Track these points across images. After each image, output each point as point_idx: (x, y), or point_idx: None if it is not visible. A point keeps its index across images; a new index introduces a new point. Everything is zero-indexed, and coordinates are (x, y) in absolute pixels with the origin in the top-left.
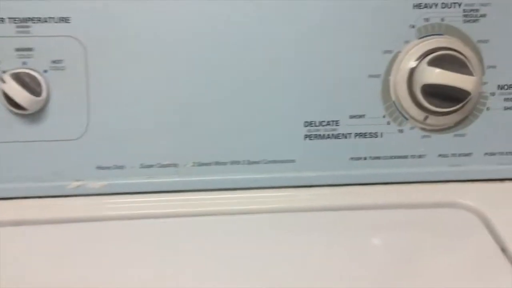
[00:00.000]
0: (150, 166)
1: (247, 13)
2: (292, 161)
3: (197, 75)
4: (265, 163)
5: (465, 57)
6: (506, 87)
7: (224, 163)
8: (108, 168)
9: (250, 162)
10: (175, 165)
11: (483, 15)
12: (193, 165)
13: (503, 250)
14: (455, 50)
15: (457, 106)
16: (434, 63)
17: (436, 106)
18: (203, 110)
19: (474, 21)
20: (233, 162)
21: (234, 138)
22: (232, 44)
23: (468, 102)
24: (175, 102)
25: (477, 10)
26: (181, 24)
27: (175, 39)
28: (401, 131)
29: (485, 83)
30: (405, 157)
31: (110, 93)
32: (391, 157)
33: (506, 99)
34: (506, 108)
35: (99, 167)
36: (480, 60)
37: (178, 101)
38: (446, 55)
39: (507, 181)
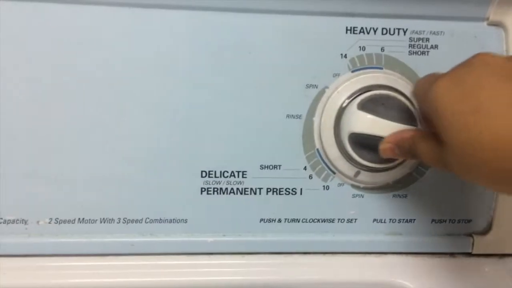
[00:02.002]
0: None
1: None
2: (184, 220)
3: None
4: (148, 222)
5: (408, 99)
6: None
7: (93, 221)
8: None
9: (127, 221)
10: (24, 221)
11: (434, 46)
12: (50, 222)
13: None
14: (395, 90)
15: (395, 163)
16: (366, 106)
17: (368, 161)
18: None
19: (423, 53)
20: (104, 220)
21: (106, 189)
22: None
23: None
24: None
25: (426, 40)
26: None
27: None
28: (326, 187)
29: None
30: (331, 221)
31: None
32: (313, 221)
33: None
34: None
35: None
36: None
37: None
38: (383, 96)
39: (458, 256)
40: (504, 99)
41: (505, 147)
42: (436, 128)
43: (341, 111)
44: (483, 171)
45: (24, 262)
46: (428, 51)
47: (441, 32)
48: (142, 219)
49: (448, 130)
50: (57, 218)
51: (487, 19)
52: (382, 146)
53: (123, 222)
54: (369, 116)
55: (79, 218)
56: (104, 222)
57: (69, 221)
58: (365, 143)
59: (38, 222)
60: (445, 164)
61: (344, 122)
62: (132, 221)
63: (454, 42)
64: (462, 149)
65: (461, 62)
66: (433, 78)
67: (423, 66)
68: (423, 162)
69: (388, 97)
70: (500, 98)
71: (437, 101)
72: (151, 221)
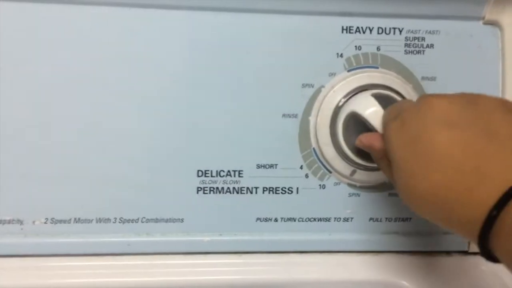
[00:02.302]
0: None
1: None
2: (180, 220)
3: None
4: (144, 222)
5: (404, 98)
6: None
7: (88, 221)
8: None
9: (123, 221)
10: (19, 221)
11: (430, 46)
12: (46, 222)
13: None
14: (391, 89)
15: None
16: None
17: (364, 159)
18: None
19: (418, 52)
20: (100, 220)
21: (102, 189)
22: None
23: None
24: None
25: (422, 39)
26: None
27: None
28: (322, 186)
29: None
30: (328, 219)
31: None
32: (310, 220)
33: None
34: None
35: None
36: None
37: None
38: (378, 95)
39: (455, 254)
40: (440, 149)
41: (432, 200)
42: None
43: (337, 110)
44: (416, 211)
45: (20, 263)
46: (424, 50)
47: (437, 31)
48: (138, 219)
49: (395, 171)
50: (53, 218)
51: (483, 18)
52: (357, 142)
53: (119, 222)
54: (375, 105)
55: (75, 218)
56: (100, 222)
57: (65, 221)
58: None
59: (34, 222)
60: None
61: (350, 102)
62: (128, 220)
63: (450, 41)
64: (403, 190)
65: (412, 103)
66: (393, 114)
67: (419, 65)
68: None
69: (383, 96)
70: (437, 148)
71: (388, 143)
72: (147, 221)
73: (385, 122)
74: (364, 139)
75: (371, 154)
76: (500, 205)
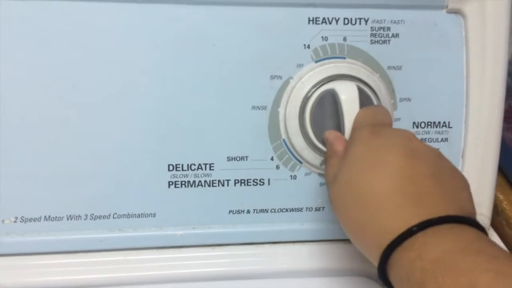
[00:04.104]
0: None
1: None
2: (152, 215)
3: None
4: (116, 217)
5: (370, 88)
6: (423, 124)
7: (59, 218)
8: None
9: (94, 217)
10: None
11: (395, 35)
12: (16, 221)
13: None
14: (358, 79)
15: None
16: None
17: None
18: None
19: (384, 42)
20: (72, 217)
21: (72, 185)
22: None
23: None
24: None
25: (387, 29)
26: None
27: None
28: (293, 177)
29: (397, 119)
30: (300, 210)
31: None
32: (282, 210)
33: (423, 140)
34: None
35: None
36: (391, 91)
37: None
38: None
39: None
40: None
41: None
42: None
43: (306, 100)
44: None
45: None
46: (389, 40)
47: (402, 21)
48: (110, 215)
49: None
50: (23, 217)
51: (446, 7)
52: (324, 136)
53: (90, 219)
54: (355, 96)
55: (45, 216)
56: (71, 219)
57: (35, 219)
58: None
59: (3, 221)
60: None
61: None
62: (100, 217)
63: (415, 30)
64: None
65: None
66: (368, 122)
67: (385, 55)
68: None
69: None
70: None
71: (350, 148)
72: (119, 217)
73: (357, 128)
74: (331, 137)
75: (327, 148)
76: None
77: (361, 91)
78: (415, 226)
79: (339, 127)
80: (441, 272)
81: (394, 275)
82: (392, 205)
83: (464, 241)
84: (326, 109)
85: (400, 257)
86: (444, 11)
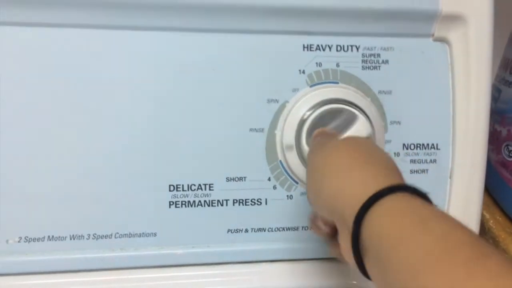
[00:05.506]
0: None
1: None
2: (153, 234)
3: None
4: (118, 237)
5: (363, 111)
6: (412, 146)
7: (62, 238)
8: None
9: (97, 237)
10: None
11: (385, 61)
12: (20, 241)
13: None
14: (351, 103)
15: None
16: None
17: None
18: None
19: (375, 68)
20: (74, 237)
21: (75, 206)
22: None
23: None
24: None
25: (378, 55)
26: None
27: None
28: (290, 197)
29: (388, 141)
30: (296, 228)
31: None
32: (279, 229)
33: (412, 161)
34: (412, 172)
35: None
36: (382, 114)
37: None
38: (333, 110)
39: None
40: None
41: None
42: None
43: (302, 123)
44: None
45: None
46: (379, 66)
47: (391, 48)
48: (111, 235)
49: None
50: (27, 237)
51: (433, 35)
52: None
53: (92, 238)
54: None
55: (48, 236)
56: (73, 239)
57: (38, 239)
58: None
59: (7, 241)
60: None
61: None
62: (102, 236)
63: (403, 57)
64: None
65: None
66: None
67: (376, 80)
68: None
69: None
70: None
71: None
72: (120, 236)
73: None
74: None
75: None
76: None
77: (352, 114)
78: (385, 189)
79: None
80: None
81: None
82: (353, 172)
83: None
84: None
85: (371, 218)
86: (430, 39)
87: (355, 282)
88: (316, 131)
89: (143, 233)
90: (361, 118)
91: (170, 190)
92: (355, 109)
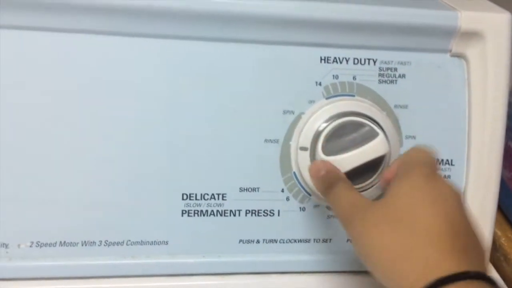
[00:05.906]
0: None
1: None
2: (165, 242)
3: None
4: (129, 244)
5: (378, 125)
6: None
7: (74, 244)
8: None
9: (108, 243)
10: (5, 245)
11: (402, 76)
12: (31, 246)
13: None
14: (367, 116)
15: (367, 184)
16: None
17: None
18: None
19: (391, 82)
20: (86, 243)
21: (87, 212)
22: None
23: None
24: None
25: (395, 69)
26: None
27: None
28: (303, 209)
29: None
30: (307, 241)
31: None
32: (290, 241)
33: None
34: None
35: None
36: (398, 128)
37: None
38: (349, 122)
39: None
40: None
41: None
42: None
43: (317, 135)
44: None
45: (5, 286)
46: (396, 80)
47: (408, 62)
48: (123, 242)
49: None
50: (39, 242)
51: (450, 51)
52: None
53: (104, 245)
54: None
55: (60, 241)
56: (85, 245)
57: (50, 245)
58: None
59: (19, 245)
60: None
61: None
62: (114, 243)
63: (420, 72)
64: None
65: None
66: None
67: (392, 94)
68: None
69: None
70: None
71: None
72: (132, 244)
73: (412, 164)
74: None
75: (322, 179)
76: None
77: (370, 129)
78: (467, 272)
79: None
80: None
81: None
82: (445, 243)
83: None
84: (341, 143)
85: None
86: (448, 54)
87: None
88: (314, 166)
89: (154, 241)
90: (380, 135)
91: (183, 199)
92: (375, 125)
